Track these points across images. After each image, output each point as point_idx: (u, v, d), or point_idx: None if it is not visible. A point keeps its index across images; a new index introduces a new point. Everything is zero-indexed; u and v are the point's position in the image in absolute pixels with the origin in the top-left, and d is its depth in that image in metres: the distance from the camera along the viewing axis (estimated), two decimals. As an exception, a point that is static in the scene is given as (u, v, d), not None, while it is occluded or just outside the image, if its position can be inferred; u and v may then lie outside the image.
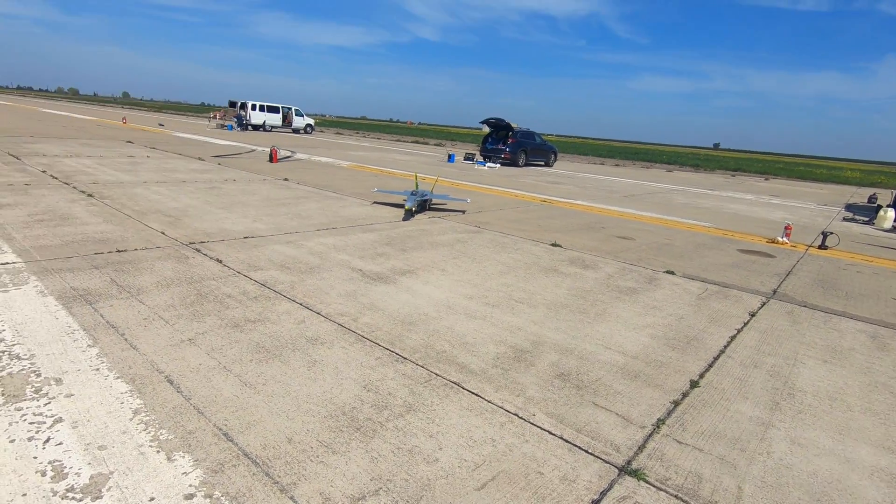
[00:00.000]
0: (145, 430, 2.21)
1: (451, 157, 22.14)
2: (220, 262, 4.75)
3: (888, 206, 12.36)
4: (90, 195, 7.39)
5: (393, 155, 22.98)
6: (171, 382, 2.59)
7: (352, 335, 3.37)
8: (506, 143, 21.64)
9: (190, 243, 5.29)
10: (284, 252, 5.27)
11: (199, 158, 13.88)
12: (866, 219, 13.00)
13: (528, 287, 4.77)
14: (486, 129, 23.05)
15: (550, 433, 2.46)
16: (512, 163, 21.63)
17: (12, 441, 2.07)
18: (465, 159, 22.72)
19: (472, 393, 2.76)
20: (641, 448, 2.41)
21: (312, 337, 3.29)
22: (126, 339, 3.02)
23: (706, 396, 2.96)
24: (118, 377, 2.60)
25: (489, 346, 3.39)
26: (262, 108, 34.07)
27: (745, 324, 4.27)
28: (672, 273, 5.78)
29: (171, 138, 20.96)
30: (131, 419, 2.27)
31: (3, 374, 2.55)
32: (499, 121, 21.91)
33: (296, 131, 37.01)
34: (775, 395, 3.06)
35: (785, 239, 8.40)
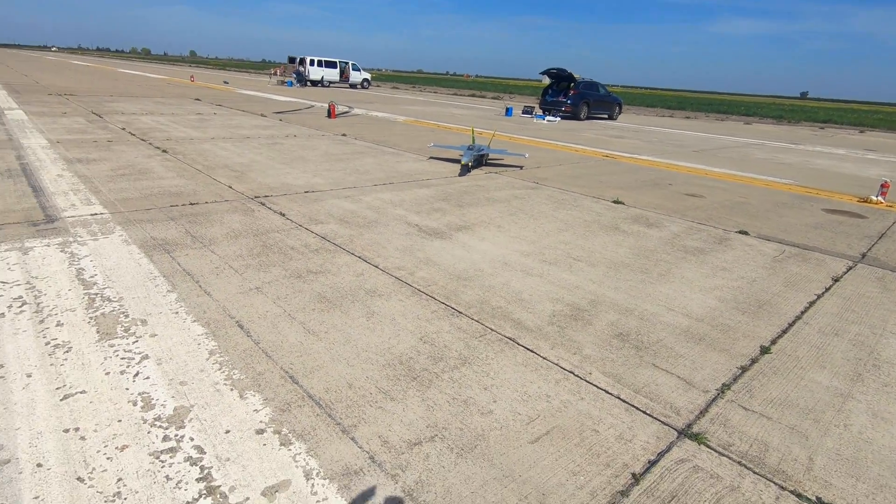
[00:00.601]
0: (220, 369, 2.38)
1: (508, 111, 21.49)
2: (283, 215, 4.92)
3: None
4: (164, 151, 7.81)
5: (449, 109, 22.59)
6: (241, 327, 2.76)
7: (408, 288, 3.43)
8: (567, 95, 20.67)
9: (255, 197, 5.51)
10: (343, 206, 5.38)
11: (262, 115, 14.27)
12: (981, 176, 11.48)
13: (588, 245, 4.63)
14: (547, 81, 22.07)
15: (607, 392, 2.42)
16: (573, 116, 20.71)
17: (108, 374, 2.29)
18: (523, 113, 21.98)
19: (527, 349, 2.75)
20: (703, 412, 2.32)
21: (371, 289, 3.37)
22: (200, 286, 3.23)
23: (778, 364, 2.79)
24: (195, 321, 2.80)
25: (545, 303, 3.35)
26: (320, 64, 34.29)
27: (827, 289, 3.95)
28: (745, 233, 5.41)
29: (236, 95, 21.63)
30: (207, 359, 2.45)
31: (98, 314, 2.81)
32: (560, 71, 20.87)
33: (353, 86, 37.11)
34: (858, 365, 2.84)
35: (880, 198, 7.60)
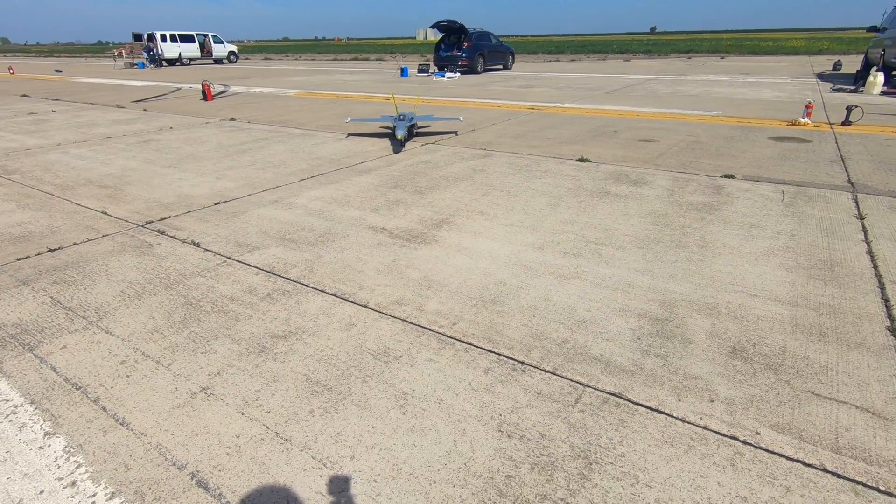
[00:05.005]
0: None
1: (404, 71, 20.06)
2: (198, 245, 3.56)
3: (876, 70, 11.85)
4: (-10, 172, 5.72)
5: (338, 76, 20.61)
6: (205, 488, 1.60)
7: (429, 335, 2.41)
8: (461, 49, 19.67)
9: (147, 223, 4.01)
10: (275, 217, 4.08)
11: (119, 106, 11.65)
12: (852, 87, 12.54)
13: (594, 221, 3.86)
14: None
15: (804, 464, 1.66)
16: (470, 69, 19.86)
17: None
18: (419, 71, 20.71)
19: (650, 409, 1.91)
20: (933, 463, 1.66)
21: (377, 350, 2.30)
22: (105, 409, 1.95)
23: (928, 351, 2.24)
24: (112, 494, 1.58)
25: (614, 319, 2.52)
26: (174, 39, 29.78)
27: (865, 232, 3.57)
28: (731, 176, 4.99)
29: (76, 85, 17.82)
30: (164, 592, 1.30)
31: None
32: (451, 23, 19.69)
33: (218, 61, 32.96)
34: None
35: (807, 119, 7.72)
